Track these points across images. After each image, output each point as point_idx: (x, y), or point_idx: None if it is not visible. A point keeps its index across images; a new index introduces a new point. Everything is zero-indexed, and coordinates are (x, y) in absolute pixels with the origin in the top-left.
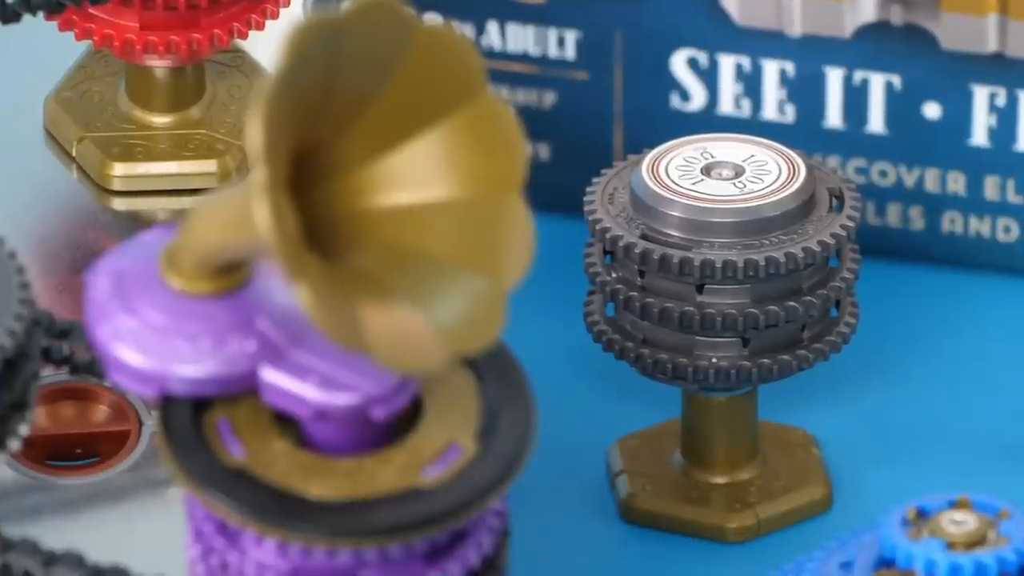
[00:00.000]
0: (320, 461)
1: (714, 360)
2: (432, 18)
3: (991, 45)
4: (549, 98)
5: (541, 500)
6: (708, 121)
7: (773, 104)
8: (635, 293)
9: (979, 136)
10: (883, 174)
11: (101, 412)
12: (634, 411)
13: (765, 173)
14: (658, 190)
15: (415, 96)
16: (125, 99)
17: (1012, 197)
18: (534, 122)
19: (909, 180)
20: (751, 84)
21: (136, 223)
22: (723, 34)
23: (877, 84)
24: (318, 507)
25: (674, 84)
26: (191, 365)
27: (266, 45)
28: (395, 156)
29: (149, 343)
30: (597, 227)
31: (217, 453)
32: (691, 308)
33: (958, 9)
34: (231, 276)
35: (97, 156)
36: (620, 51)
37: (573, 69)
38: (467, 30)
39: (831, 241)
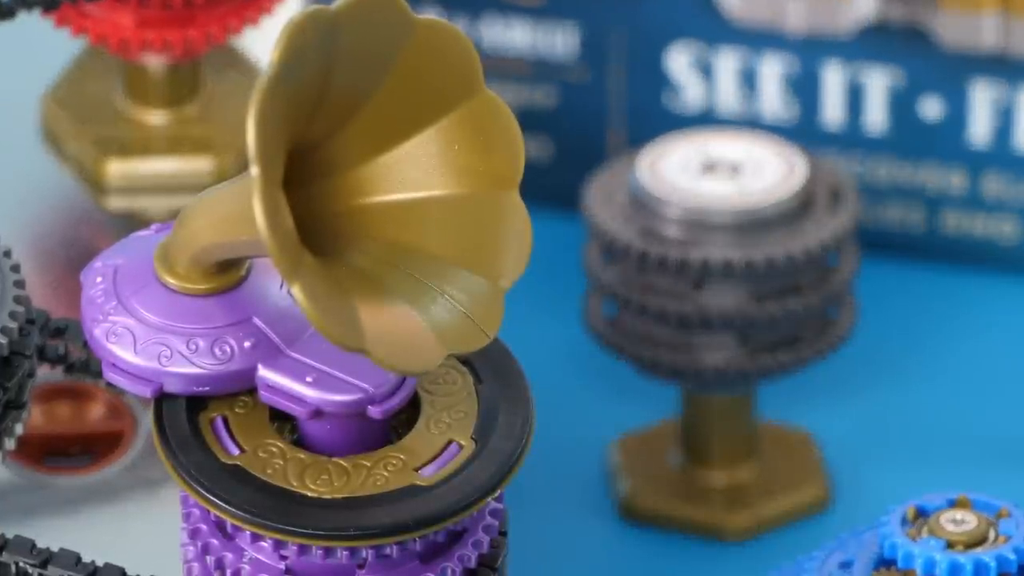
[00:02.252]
0: (317, 460)
1: (713, 359)
2: (430, 15)
3: (991, 42)
4: (547, 96)
5: (540, 499)
6: (706, 119)
7: (772, 102)
8: (634, 292)
9: (979, 134)
10: (882, 172)
11: (97, 411)
12: (633, 410)
13: (764, 171)
14: (656, 189)
15: (413, 93)
16: (121, 97)
17: (1012, 195)
18: (532, 120)
19: (908, 178)
20: (750, 82)
21: (132, 221)
22: (722, 31)
23: (876, 82)
24: (315, 506)
25: (672, 82)
26: (187, 364)
27: (264, 41)
28: (393, 154)
29: (145, 342)
30: (595, 226)
31: (213, 452)
32: (690, 307)
33: (957, 6)
34: (227, 274)
35: (93, 154)
36: (618, 49)
37: (571, 67)
38: (465, 27)
39: (830, 240)
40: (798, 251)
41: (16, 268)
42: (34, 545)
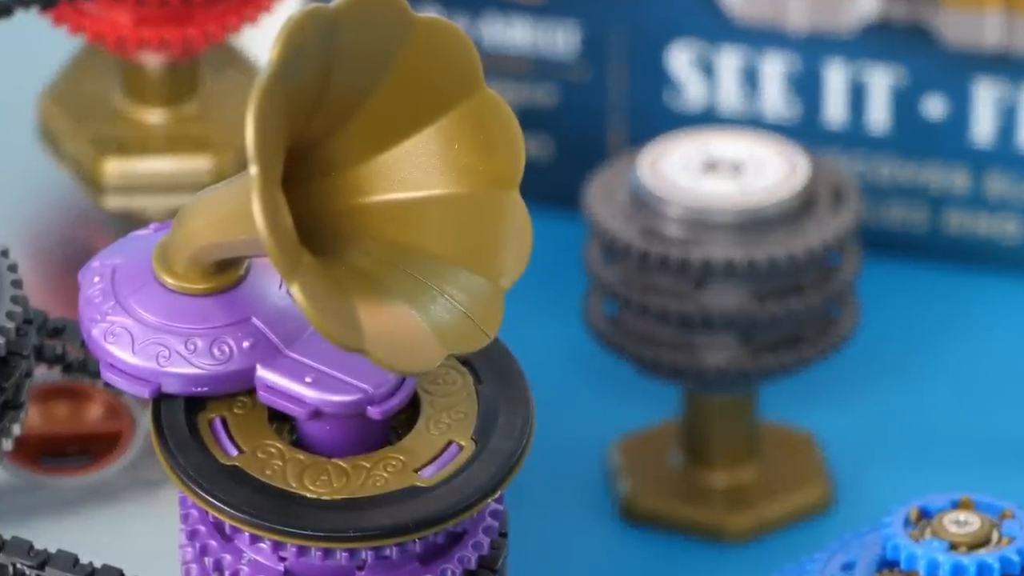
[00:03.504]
0: (316, 461)
1: (714, 359)
2: (430, 13)
3: (993, 41)
4: (548, 95)
5: (540, 500)
6: (708, 118)
7: (773, 101)
8: (634, 291)
9: (982, 133)
10: (885, 171)
11: (94, 412)
12: (634, 411)
13: (766, 170)
14: (658, 188)
15: (412, 92)
16: (119, 95)
17: (1015, 194)
18: (533, 119)
19: (911, 177)
20: (751, 80)
21: (130, 220)
22: (723, 30)
23: (879, 80)
24: (314, 507)
25: (673, 80)
26: (185, 364)
27: (263, 39)
28: (393, 152)
29: (143, 342)
30: (596, 225)
31: (212, 453)
32: (691, 307)
33: (960, 5)
34: (226, 274)
35: (91, 153)
36: (619, 47)
37: (572, 66)
38: (465, 25)
39: (832, 239)
40: (800, 251)
41: (13, 268)
42: (32, 546)
